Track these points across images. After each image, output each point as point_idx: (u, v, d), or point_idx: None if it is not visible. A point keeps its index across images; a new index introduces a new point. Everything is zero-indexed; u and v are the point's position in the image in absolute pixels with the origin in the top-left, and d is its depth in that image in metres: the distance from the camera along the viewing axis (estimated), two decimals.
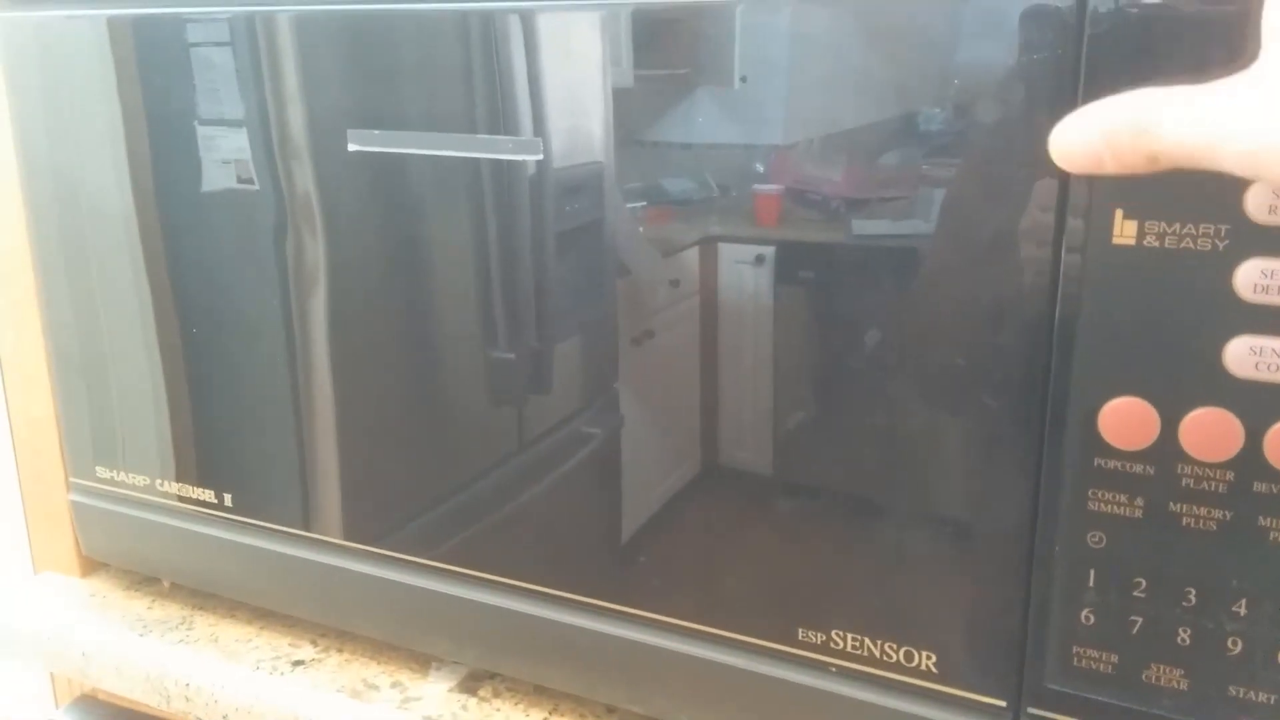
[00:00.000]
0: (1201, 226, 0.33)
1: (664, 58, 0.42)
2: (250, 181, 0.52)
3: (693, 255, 0.43)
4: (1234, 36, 0.31)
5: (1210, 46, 0.32)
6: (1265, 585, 0.35)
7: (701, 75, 0.41)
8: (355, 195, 0.49)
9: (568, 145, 0.44)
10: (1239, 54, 0.30)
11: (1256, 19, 0.27)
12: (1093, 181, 0.34)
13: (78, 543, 0.64)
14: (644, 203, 0.43)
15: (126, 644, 0.59)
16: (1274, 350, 0.33)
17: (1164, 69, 0.32)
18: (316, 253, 0.51)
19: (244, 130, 0.51)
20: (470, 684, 0.54)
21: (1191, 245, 0.33)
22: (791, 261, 0.41)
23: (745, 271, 0.42)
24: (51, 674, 0.71)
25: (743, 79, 0.40)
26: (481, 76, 0.44)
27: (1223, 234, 0.33)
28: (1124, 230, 0.34)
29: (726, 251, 0.42)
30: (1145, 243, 0.34)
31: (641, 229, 0.44)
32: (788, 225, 0.41)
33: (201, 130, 0.52)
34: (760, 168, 0.41)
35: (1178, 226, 0.33)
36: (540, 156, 0.44)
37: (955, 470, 0.40)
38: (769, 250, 0.41)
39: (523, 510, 0.50)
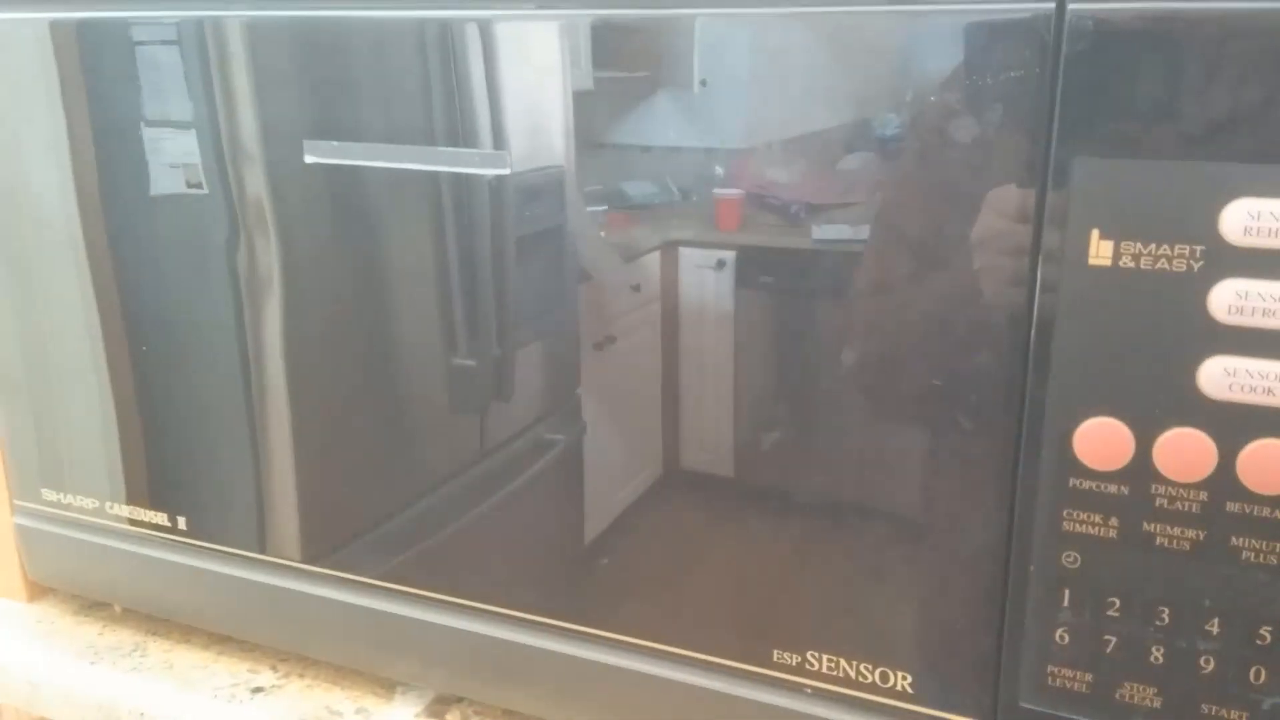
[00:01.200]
0: (1177, 247, 0.33)
1: (623, 61, 0.41)
2: (199, 188, 0.50)
3: (654, 260, 0.43)
4: (1224, 57, 0.31)
5: (1191, 70, 0.32)
6: (1237, 604, 0.35)
7: (661, 78, 0.41)
8: (310, 202, 0.48)
9: (527, 149, 0.43)
10: (1230, 77, 0.31)
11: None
12: (1069, 202, 0.34)
13: (23, 567, 0.62)
14: (605, 207, 0.43)
15: (77, 672, 0.57)
16: (1247, 371, 0.33)
17: (1145, 92, 0.32)
18: (270, 262, 0.50)
19: (193, 139, 0.49)
20: (437, 708, 0.53)
21: (1167, 266, 0.33)
22: (752, 266, 0.41)
23: (706, 276, 0.42)
24: None
25: (703, 82, 0.39)
26: (438, 79, 0.44)
27: (1198, 255, 0.33)
28: (1100, 251, 0.34)
29: (687, 256, 0.42)
30: (1121, 263, 0.34)
31: (602, 234, 0.43)
32: (748, 230, 0.41)
33: (148, 140, 0.50)
34: (720, 171, 0.40)
35: (1153, 247, 0.33)
36: (507, 171, 0.43)
37: (930, 490, 0.40)
38: (730, 255, 0.41)
39: (487, 523, 0.49)
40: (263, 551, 0.54)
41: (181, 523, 0.56)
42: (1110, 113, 0.33)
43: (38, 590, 0.64)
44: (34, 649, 0.59)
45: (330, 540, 0.53)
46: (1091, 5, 0.32)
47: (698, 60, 0.39)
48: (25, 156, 0.54)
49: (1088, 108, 0.33)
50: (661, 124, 0.41)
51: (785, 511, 0.43)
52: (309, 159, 0.46)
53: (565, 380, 0.46)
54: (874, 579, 0.42)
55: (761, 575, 0.44)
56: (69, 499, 0.59)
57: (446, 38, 0.43)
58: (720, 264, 0.42)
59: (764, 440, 0.43)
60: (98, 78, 0.51)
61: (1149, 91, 0.32)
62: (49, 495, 0.59)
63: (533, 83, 0.43)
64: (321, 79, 0.46)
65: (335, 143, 0.45)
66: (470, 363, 0.47)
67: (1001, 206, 0.35)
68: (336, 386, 0.51)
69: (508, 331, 0.47)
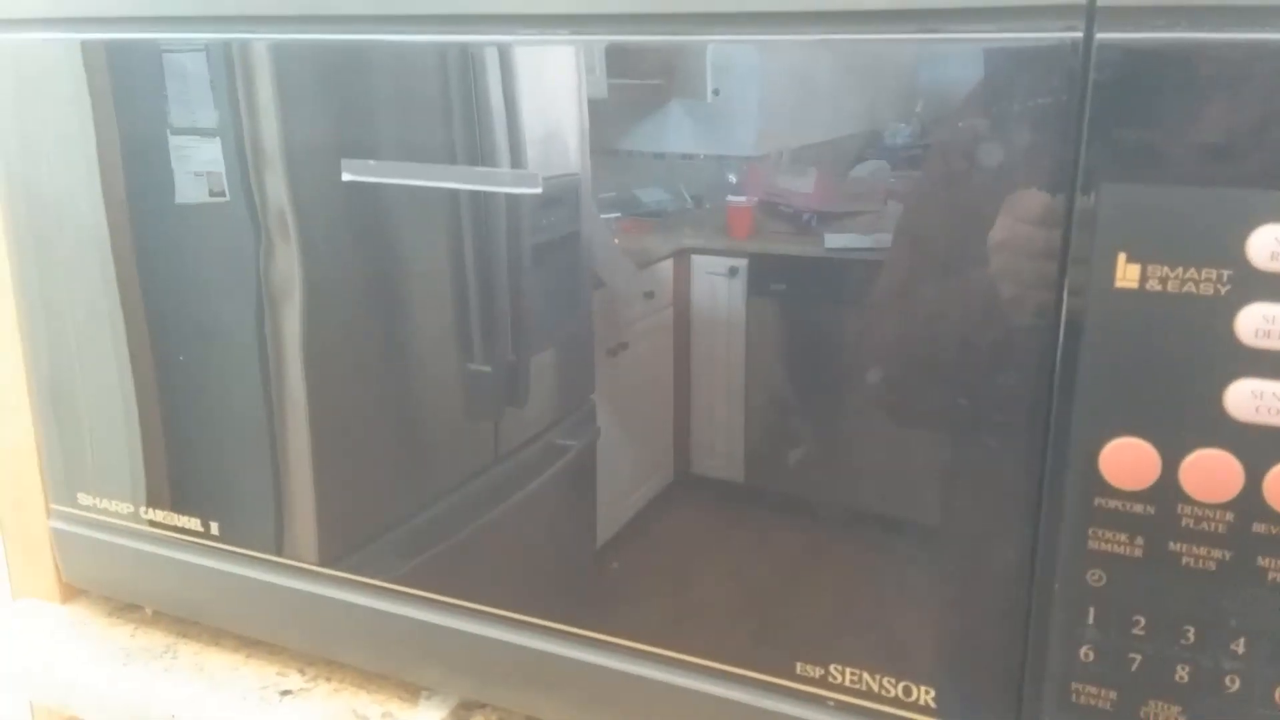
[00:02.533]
0: (1204, 271, 0.33)
1: (637, 70, 0.42)
2: (222, 196, 0.51)
3: (667, 267, 0.44)
4: (1251, 85, 0.31)
5: (1218, 97, 0.32)
6: (1263, 624, 0.35)
7: (675, 87, 0.41)
8: (330, 213, 0.49)
9: (543, 158, 0.44)
10: (1256, 105, 0.31)
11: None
12: (1096, 226, 0.34)
13: (58, 569, 0.63)
14: (619, 214, 0.43)
15: (110, 673, 0.58)
16: (1274, 394, 0.33)
17: (1172, 118, 0.32)
18: (291, 272, 0.51)
19: (219, 152, 0.50)
20: (461, 713, 0.54)
21: (1194, 289, 0.33)
22: (764, 273, 0.42)
23: (719, 283, 0.42)
24: (31, 703, 0.69)
25: (715, 92, 0.40)
26: (457, 94, 0.44)
27: (1225, 279, 0.33)
28: (1127, 274, 0.34)
29: (700, 263, 0.43)
30: (1148, 286, 0.34)
31: (616, 241, 0.44)
32: (760, 237, 0.41)
33: (174, 152, 0.51)
34: (733, 179, 0.41)
35: (1180, 271, 0.33)
36: (539, 190, 0.43)
37: (955, 505, 0.40)
38: (742, 262, 0.42)
39: (502, 528, 0.50)
40: (291, 557, 0.55)
41: (214, 528, 0.57)
42: (1137, 139, 0.33)
43: (71, 592, 0.65)
44: (68, 650, 0.60)
45: (354, 542, 0.54)
46: (1119, 34, 0.32)
47: (710, 71, 0.40)
48: (56, 169, 0.55)
49: (1115, 133, 0.33)
50: (675, 132, 0.41)
51: (799, 521, 0.44)
52: (346, 177, 0.47)
53: (579, 386, 0.47)
54: (898, 593, 0.42)
55: (782, 587, 0.44)
56: (104, 503, 0.60)
57: (465, 55, 0.44)
58: (732, 271, 0.42)
59: (774, 447, 0.43)
60: (125, 94, 0.52)
61: (1176, 118, 0.32)
62: (85, 500, 0.60)
63: (549, 93, 0.43)
64: (346, 98, 0.46)
65: (372, 162, 0.46)
66: (486, 369, 0.48)
67: (1025, 213, 0.35)
68: (357, 393, 0.52)
69: (523, 337, 0.47)
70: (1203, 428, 0.34)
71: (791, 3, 0.37)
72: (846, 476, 0.42)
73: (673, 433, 0.45)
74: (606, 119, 0.42)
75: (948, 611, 0.41)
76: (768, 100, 0.40)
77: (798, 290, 0.41)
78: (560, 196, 0.44)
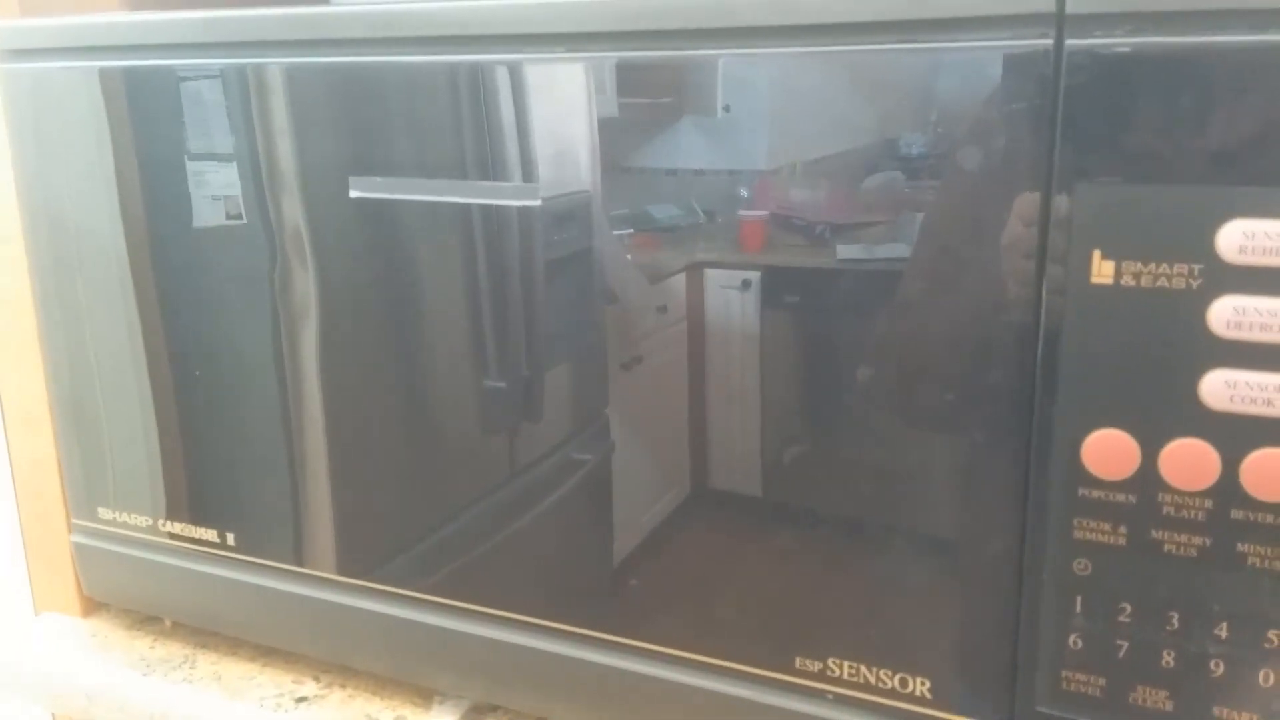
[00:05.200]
0: (1176, 266, 0.34)
1: (648, 88, 0.43)
2: (239, 219, 0.53)
3: (679, 281, 0.44)
4: (1216, 87, 0.33)
5: (1185, 99, 0.33)
6: (1245, 608, 0.36)
7: (686, 104, 0.42)
8: (346, 232, 0.50)
9: (555, 176, 0.45)
10: (1223, 105, 0.32)
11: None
12: (1072, 224, 0.35)
13: (79, 583, 0.65)
14: (631, 230, 0.44)
15: (130, 684, 0.60)
16: (1248, 383, 0.34)
17: (1143, 120, 0.34)
18: (308, 290, 0.52)
19: (234, 173, 0.52)
20: (474, 717, 0.55)
21: (1167, 284, 0.35)
22: (777, 286, 0.42)
23: (732, 297, 0.43)
24: (53, 715, 0.71)
25: (726, 108, 0.41)
26: (469, 113, 0.45)
27: (1196, 273, 0.34)
28: (1102, 270, 0.35)
29: (713, 277, 0.43)
30: (1123, 282, 0.35)
31: (629, 256, 0.45)
32: (772, 250, 0.42)
33: (192, 175, 0.53)
34: (744, 193, 0.42)
35: (1153, 266, 0.35)
36: (538, 202, 0.45)
37: (945, 501, 0.42)
38: (754, 275, 0.42)
39: (519, 542, 0.51)
40: (307, 567, 0.56)
41: (230, 539, 0.58)
42: (1109, 140, 0.34)
43: (92, 605, 0.66)
44: (89, 662, 0.62)
45: (370, 556, 0.55)
46: (1088, 40, 0.34)
47: (721, 88, 0.41)
48: (76, 193, 0.57)
49: (1087, 135, 0.34)
50: (686, 148, 0.42)
51: (809, 526, 0.45)
52: (354, 194, 0.48)
53: (593, 400, 0.48)
54: (893, 588, 0.43)
55: (785, 587, 0.45)
56: (124, 517, 0.61)
57: (476, 75, 0.45)
58: (745, 284, 0.43)
59: (790, 458, 0.44)
60: (143, 120, 0.54)
61: (1146, 120, 0.34)
62: (105, 514, 0.62)
63: (560, 112, 0.44)
64: (359, 118, 0.48)
65: (379, 178, 0.48)
66: (500, 384, 0.49)
67: (1021, 214, 0.37)
68: (373, 409, 0.53)
69: (537, 353, 0.48)
70: (1180, 418, 0.36)
71: (778, 16, 0.38)
72: (858, 483, 0.43)
73: (688, 446, 0.46)
74: (618, 137, 0.44)
75: (942, 604, 0.42)
76: (777, 115, 0.41)
77: (811, 302, 0.42)
78: (572, 213, 0.45)
